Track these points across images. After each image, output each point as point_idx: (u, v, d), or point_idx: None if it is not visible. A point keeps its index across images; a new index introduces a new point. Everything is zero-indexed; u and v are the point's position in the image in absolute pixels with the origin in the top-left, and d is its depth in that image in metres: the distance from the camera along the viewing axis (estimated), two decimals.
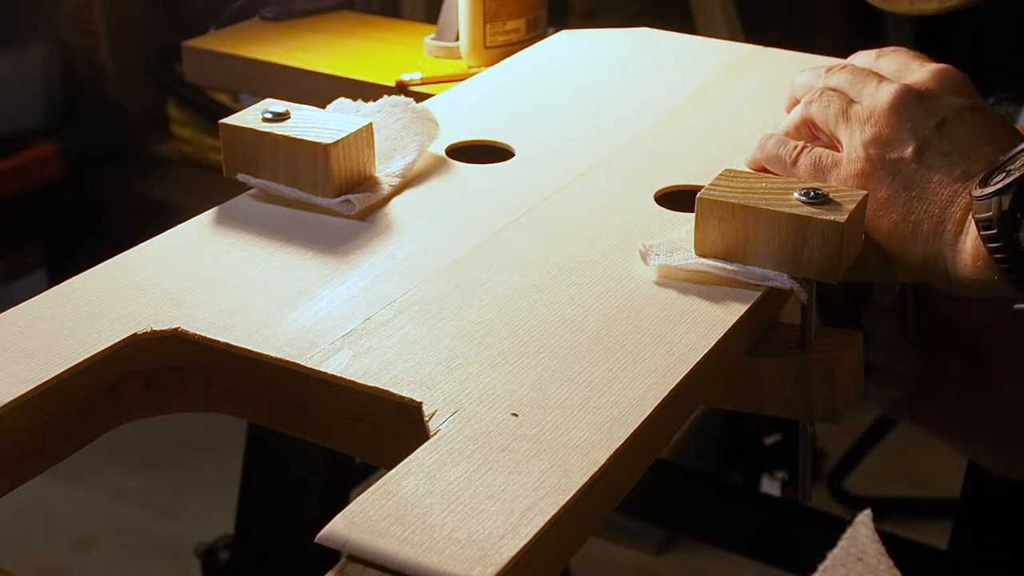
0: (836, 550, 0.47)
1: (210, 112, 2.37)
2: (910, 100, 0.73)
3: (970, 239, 0.68)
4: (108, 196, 2.63)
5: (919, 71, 0.76)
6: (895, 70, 0.77)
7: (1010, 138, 0.72)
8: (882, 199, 0.72)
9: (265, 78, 1.18)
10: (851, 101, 0.76)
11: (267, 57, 1.18)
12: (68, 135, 2.51)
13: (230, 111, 0.79)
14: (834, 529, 0.48)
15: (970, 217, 0.68)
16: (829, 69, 0.80)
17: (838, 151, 0.75)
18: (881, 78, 0.76)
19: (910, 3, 0.93)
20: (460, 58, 1.13)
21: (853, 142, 0.74)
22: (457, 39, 1.13)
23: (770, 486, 2.24)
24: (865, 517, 0.48)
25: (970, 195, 0.68)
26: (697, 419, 2.17)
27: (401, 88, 1.09)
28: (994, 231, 0.65)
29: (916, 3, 0.93)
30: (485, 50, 1.10)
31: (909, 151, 0.72)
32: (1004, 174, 0.66)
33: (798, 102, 0.81)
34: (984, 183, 0.67)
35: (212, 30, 1.30)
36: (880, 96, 0.74)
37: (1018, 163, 0.66)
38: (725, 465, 2.28)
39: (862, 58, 0.81)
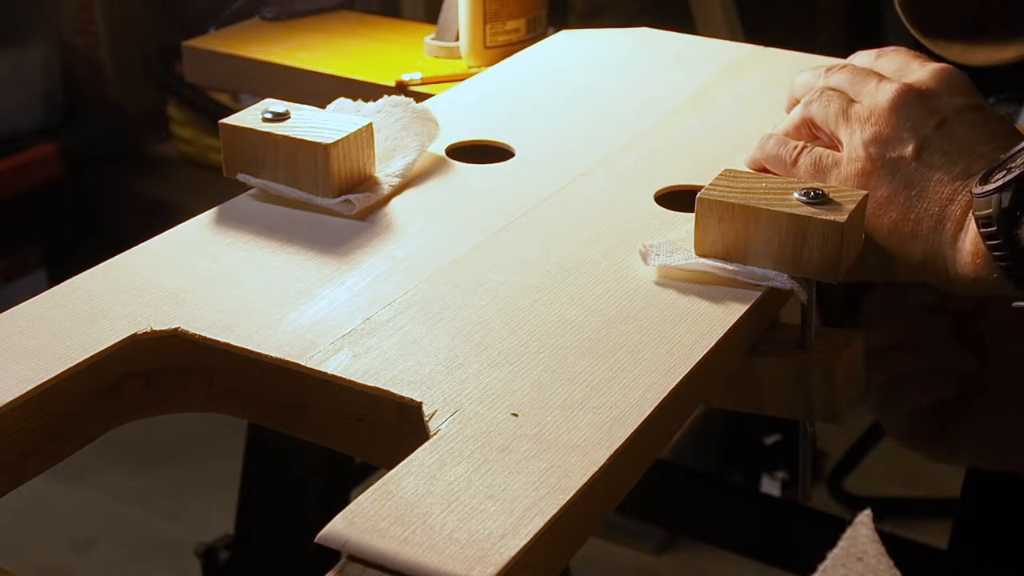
0: (836, 550, 0.47)
1: (210, 112, 2.37)
2: (910, 99, 0.73)
3: (970, 237, 0.68)
4: (108, 196, 2.63)
5: (919, 71, 0.76)
6: (895, 70, 0.77)
7: (1010, 137, 0.72)
8: (882, 198, 0.72)
9: (265, 78, 1.18)
10: (851, 101, 0.76)
11: (267, 57, 1.18)
12: (68, 135, 2.51)
13: (230, 111, 0.80)
14: (834, 529, 0.48)
15: (970, 215, 0.68)
16: (829, 69, 0.80)
17: (838, 151, 0.75)
18: (881, 77, 0.76)
19: (986, 55, 0.93)
20: (460, 58, 1.13)
21: (853, 141, 0.74)
22: (457, 39, 1.13)
23: (770, 486, 2.24)
24: (865, 517, 0.48)
25: (970, 193, 0.68)
26: (697, 419, 2.16)
27: (401, 88, 1.09)
28: (993, 228, 0.65)
29: (993, 55, 0.93)
30: (485, 50, 1.10)
31: (909, 150, 0.72)
32: (1005, 171, 0.66)
33: (798, 102, 0.81)
34: (984, 181, 0.67)
35: (212, 30, 1.30)
36: (880, 95, 0.74)
37: (1019, 161, 0.66)
38: (725, 465, 2.28)
39: (862, 58, 0.81)
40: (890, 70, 0.78)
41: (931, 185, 0.71)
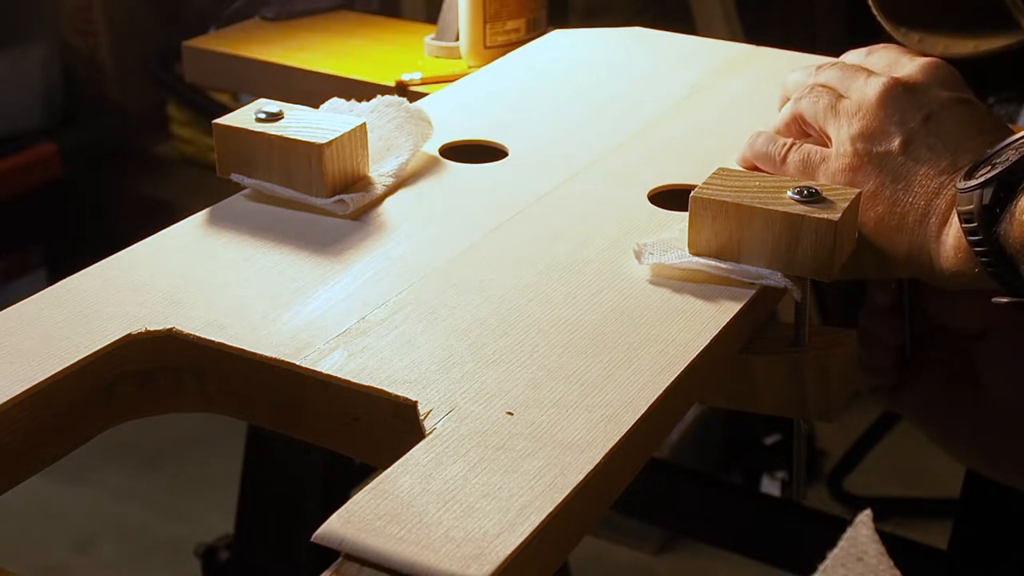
0: (836, 550, 0.47)
1: (210, 112, 2.37)
2: (898, 93, 0.73)
3: (952, 231, 0.69)
4: (108, 196, 2.63)
5: (908, 65, 0.76)
6: (885, 65, 0.78)
7: (998, 131, 0.72)
8: (869, 192, 0.72)
9: (265, 78, 1.17)
10: (840, 96, 0.76)
11: (267, 57, 1.18)
12: (68, 135, 2.51)
13: (230, 111, 0.80)
14: (834, 529, 0.48)
15: (954, 210, 0.69)
16: (820, 67, 0.80)
17: (827, 147, 0.76)
18: (870, 73, 0.76)
19: (944, 47, 0.93)
20: (460, 58, 1.13)
21: (841, 136, 0.74)
22: (457, 39, 1.13)
23: (770, 486, 2.24)
24: (865, 517, 0.48)
25: (955, 187, 0.68)
26: (697, 419, 2.16)
27: (401, 88, 1.09)
28: (974, 224, 0.66)
29: (951, 47, 0.94)
30: (485, 50, 1.10)
31: (896, 144, 0.72)
32: (989, 167, 0.66)
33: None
34: (969, 176, 0.67)
35: (212, 30, 1.30)
36: (868, 90, 0.74)
37: (1003, 157, 0.66)
38: (725, 465, 2.28)
39: (853, 55, 0.82)
40: (880, 66, 0.78)
41: (917, 179, 0.71)
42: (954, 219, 0.68)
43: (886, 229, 0.72)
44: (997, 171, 0.65)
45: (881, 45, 0.81)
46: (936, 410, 0.88)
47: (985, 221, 0.65)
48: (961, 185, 0.67)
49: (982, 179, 0.65)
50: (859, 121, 0.73)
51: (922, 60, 0.76)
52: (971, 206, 0.66)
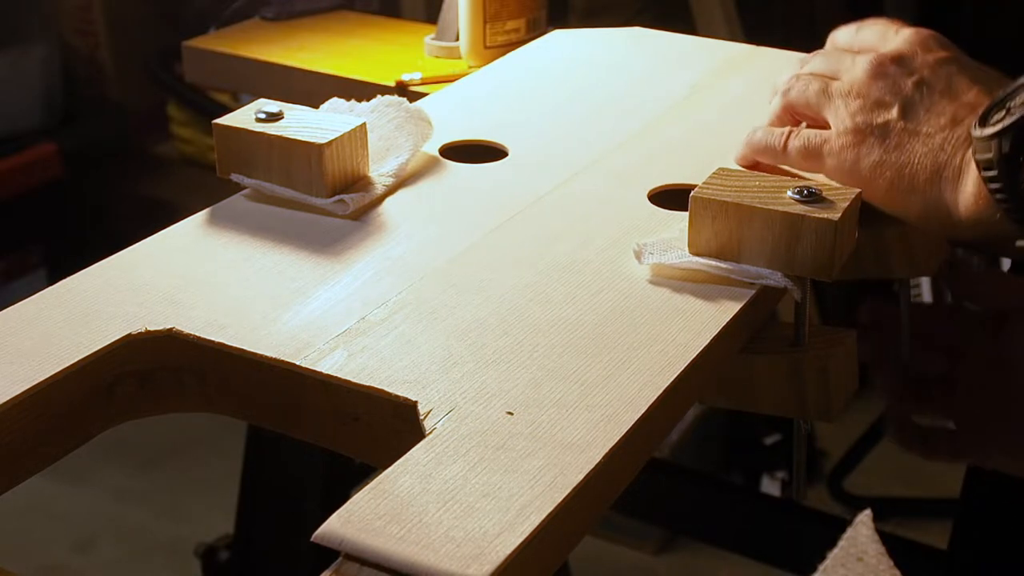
0: (836, 550, 0.47)
1: (210, 112, 2.37)
2: (887, 65, 0.75)
3: (971, 179, 0.69)
4: (108, 196, 2.64)
5: (894, 39, 0.78)
6: (873, 36, 0.79)
7: (991, 81, 0.74)
8: (875, 162, 0.73)
9: (265, 78, 1.18)
10: (829, 80, 0.77)
11: (267, 57, 1.18)
12: (68, 135, 2.51)
13: (230, 111, 0.80)
14: (834, 529, 0.48)
15: (969, 157, 0.69)
16: (804, 59, 0.81)
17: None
18: (855, 54, 0.77)
19: None
20: (460, 58, 1.13)
21: (839, 115, 0.75)
22: (457, 39, 1.13)
23: (770, 486, 2.24)
24: (865, 517, 0.48)
25: (963, 138, 0.70)
26: (697, 419, 2.16)
27: (401, 88, 1.09)
28: (995, 172, 0.66)
29: None
30: (485, 50, 1.10)
31: (894, 112, 0.73)
32: (1004, 112, 0.66)
33: None
34: (984, 122, 0.67)
35: (212, 30, 1.30)
36: (857, 69, 0.76)
37: (1017, 100, 0.66)
38: (725, 465, 2.28)
39: (844, 33, 0.82)
40: (869, 38, 0.79)
41: (920, 140, 0.72)
42: (970, 168, 0.69)
43: (898, 193, 0.72)
44: (1015, 118, 0.66)
45: (871, 20, 0.82)
46: (973, 430, 0.88)
47: (1006, 169, 0.66)
48: (977, 133, 0.67)
49: (999, 127, 0.66)
50: (854, 99, 0.75)
51: (906, 31, 0.78)
52: (990, 154, 0.66)
